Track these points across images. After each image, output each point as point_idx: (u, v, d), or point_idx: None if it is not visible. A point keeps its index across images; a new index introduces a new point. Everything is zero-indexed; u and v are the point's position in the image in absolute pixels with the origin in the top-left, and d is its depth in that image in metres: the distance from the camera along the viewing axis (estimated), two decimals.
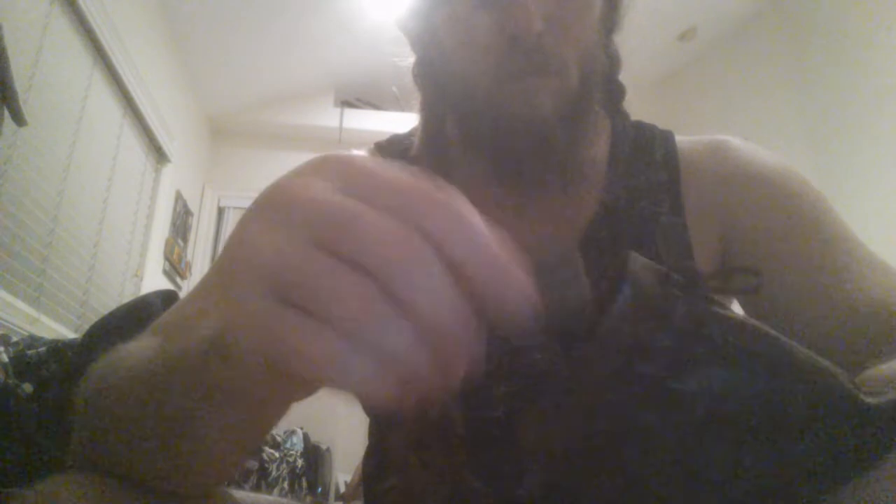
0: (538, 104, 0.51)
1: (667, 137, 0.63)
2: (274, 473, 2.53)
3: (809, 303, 0.51)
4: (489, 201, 0.59)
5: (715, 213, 0.58)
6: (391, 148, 0.64)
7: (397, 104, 3.80)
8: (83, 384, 0.41)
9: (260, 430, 0.35)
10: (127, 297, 2.54)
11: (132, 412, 0.36)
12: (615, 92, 0.62)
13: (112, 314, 1.32)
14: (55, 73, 1.97)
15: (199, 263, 3.51)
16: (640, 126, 0.64)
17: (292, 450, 2.67)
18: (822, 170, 2.55)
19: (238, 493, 0.46)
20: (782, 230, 0.54)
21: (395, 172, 0.22)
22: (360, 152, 0.64)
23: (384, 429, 0.59)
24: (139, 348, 0.42)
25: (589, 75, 0.55)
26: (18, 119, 1.65)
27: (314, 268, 0.20)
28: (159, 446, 0.35)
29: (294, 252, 0.20)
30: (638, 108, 0.64)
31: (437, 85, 0.60)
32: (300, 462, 2.67)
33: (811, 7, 2.89)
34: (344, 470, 2.91)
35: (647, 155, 0.61)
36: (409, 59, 0.63)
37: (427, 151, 0.61)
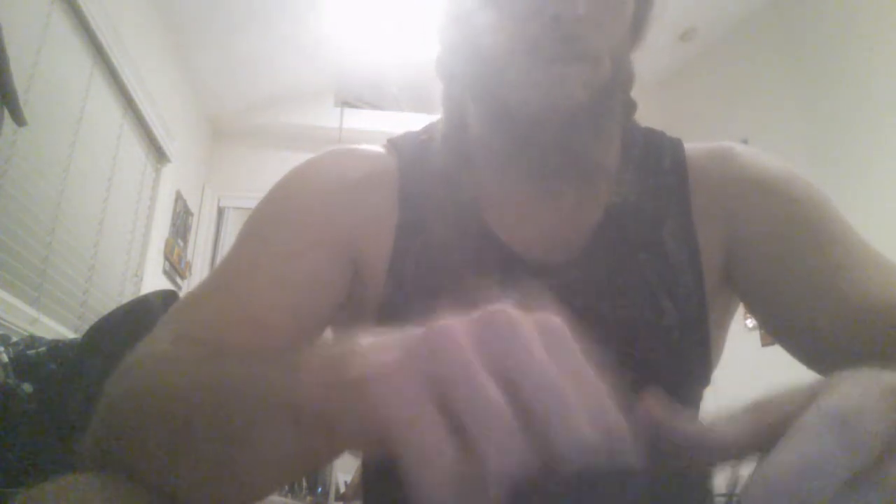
0: (571, 91, 0.51)
1: (675, 145, 0.64)
2: None
3: (812, 305, 0.51)
4: (505, 199, 0.60)
5: (720, 218, 0.58)
6: (405, 144, 0.64)
7: (397, 104, 3.81)
8: (109, 387, 0.41)
9: (318, 462, 0.36)
10: (127, 297, 2.54)
11: (192, 420, 0.35)
12: (627, 106, 0.62)
13: (112, 314, 1.32)
14: (55, 73, 1.97)
15: (199, 263, 3.51)
16: (649, 132, 0.65)
17: None
18: (822, 169, 2.55)
19: None
20: (785, 233, 0.55)
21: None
22: (373, 147, 0.64)
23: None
24: (179, 355, 0.42)
25: (618, 72, 0.55)
26: (18, 119, 1.65)
27: (473, 389, 0.24)
28: (211, 459, 0.35)
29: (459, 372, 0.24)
30: (640, 107, 0.64)
31: (463, 72, 0.59)
32: None
33: (811, 7, 2.89)
34: (344, 470, 2.91)
35: (657, 161, 0.62)
36: (433, 51, 0.63)
37: (448, 146, 0.61)
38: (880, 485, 0.21)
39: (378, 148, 0.64)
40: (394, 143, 0.64)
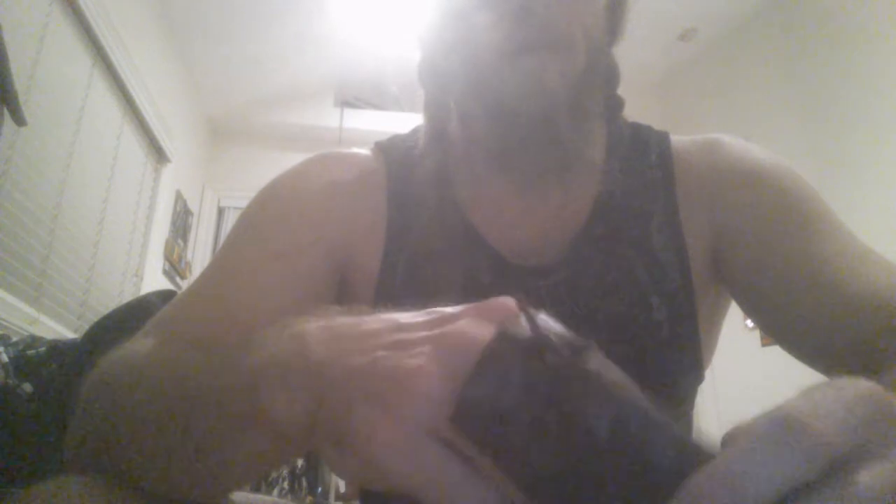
0: (546, 80, 0.50)
1: (662, 138, 0.63)
2: (274, 473, 2.53)
3: (803, 297, 0.51)
4: (492, 202, 0.60)
5: (708, 210, 0.58)
6: (392, 148, 0.64)
7: (397, 104, 3.81)
8: (87, 386, 0.41)
9: (288, 457, 0.35)
10: (127, 297, 2.54)
11: (158, 425, 0.36)
12: (614, 104, 0.62)
13: (112, 314, 1.32)
14: (55, 73, 1.97)
15: (199, 263, 3.51)
16: (635, 127, 0.64)
17: None
18: (822, 169, 2.55)
19: (237, 496, 0.45)
20: (772, 223, 0.55)
21: None
22: (362, 151, 0.64)
23: None
24: (144, 352, 0.42)
25: (594, 60, 0.54)
26: (18, 119, 1.65)
27: None
28: (180, 460, 0.35)
29: None
30: (638, 108, 0.64)
31: (442, 74, 0.59)
32: (300, 462, 2.67)
33: (811, 7, 2.89)
34: None
35: (643, 155, 0.62)
36: (415, 57, 0.63)
37: (430, 150, 0.61)
38: (839, 496, 0.19)
39: (366, 151, 0.64)
40: (381, 147, 0.64)
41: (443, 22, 0.57)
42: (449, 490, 0.23)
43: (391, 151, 0.63)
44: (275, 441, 0.31)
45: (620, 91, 0.63)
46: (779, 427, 0.20)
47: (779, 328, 0.54)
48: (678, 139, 0.63)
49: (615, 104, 0.62)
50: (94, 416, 0.40)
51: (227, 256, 0.55)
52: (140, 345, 0.44)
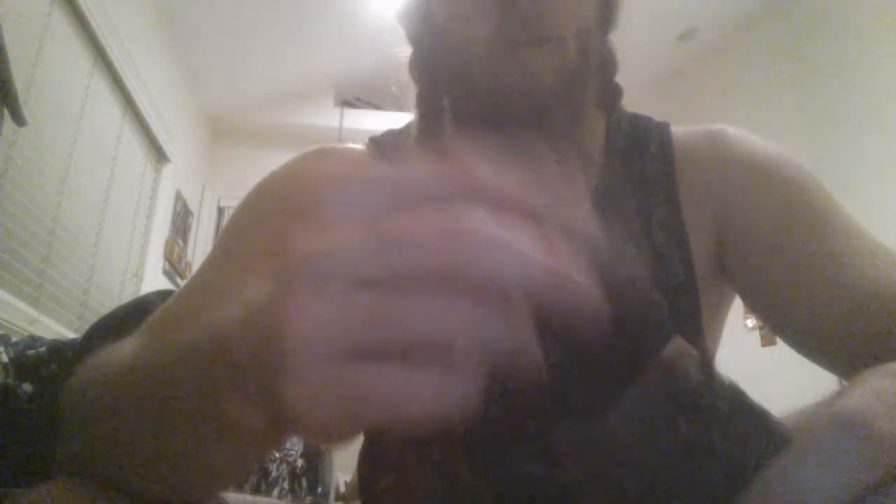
0: (537, 74, 0.49)
1: (662, 128, 0.62)
2: (274, 473, 2.53)
3: (808, 291, 0.50)
4: None
5: (710, 201, 0.57)
6: (386, 142, 0.63)
7: (397, 104, 3.80)
8: (68, 390, 0.40)
9: (255, 454, 0.35)
10: (127, 297, 2.54)
11: (135, 427, 0.35)
12: (612, 93, 0.61)
13: (112, 314, 1.32)
14: (55, 73, 1.97)
15: (199, 263, 3.51)
16: (635, 118, 0.63)
17: (292, 450, 2.67)
18: (823, 169, 2.55)
19: (235, 497, 0.45)
20: (778, 217, 0.54)
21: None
22: (356, 146, 0.64)
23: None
24: (127, 352, 0.42)
25: (586, 53, 0.53)
26: (18, 119, 1.65)
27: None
28: (158, 462, 0.34)
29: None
30: (639, 107, 0.63)
31: (432, 70, 0.58)
32: (300, 462, 2.67)
33: (811, 7, 2.89)
34: (344, 470, 2.91)
35: (643, 146, 0.60)
36: (406, 53, 0.63)
37: (422, 144, 0.60)
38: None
39: (360, 146, 0.63)
40: (376, 142, 0.63)
41: (431, 18, 0.56)
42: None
43: (386, 146, 0.62)
44: (245, 434, 0.30)
45: None
46: (842, 430, 0.19)
47: (785, 324, 0.53)
48: (679, 130, 0.62)
49: (613, 93, 0.61)
50: (76, 420, 0.39)
51: (219, 255, 0.55)
52: (126, 346, 0.43)
